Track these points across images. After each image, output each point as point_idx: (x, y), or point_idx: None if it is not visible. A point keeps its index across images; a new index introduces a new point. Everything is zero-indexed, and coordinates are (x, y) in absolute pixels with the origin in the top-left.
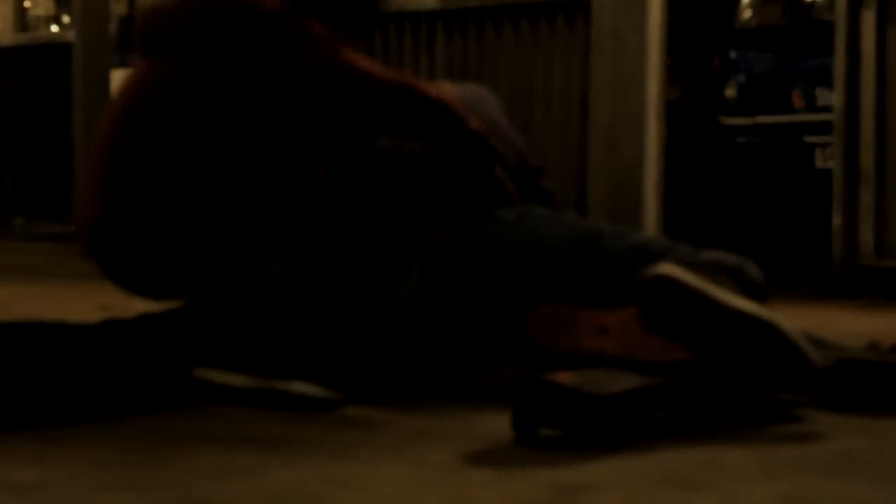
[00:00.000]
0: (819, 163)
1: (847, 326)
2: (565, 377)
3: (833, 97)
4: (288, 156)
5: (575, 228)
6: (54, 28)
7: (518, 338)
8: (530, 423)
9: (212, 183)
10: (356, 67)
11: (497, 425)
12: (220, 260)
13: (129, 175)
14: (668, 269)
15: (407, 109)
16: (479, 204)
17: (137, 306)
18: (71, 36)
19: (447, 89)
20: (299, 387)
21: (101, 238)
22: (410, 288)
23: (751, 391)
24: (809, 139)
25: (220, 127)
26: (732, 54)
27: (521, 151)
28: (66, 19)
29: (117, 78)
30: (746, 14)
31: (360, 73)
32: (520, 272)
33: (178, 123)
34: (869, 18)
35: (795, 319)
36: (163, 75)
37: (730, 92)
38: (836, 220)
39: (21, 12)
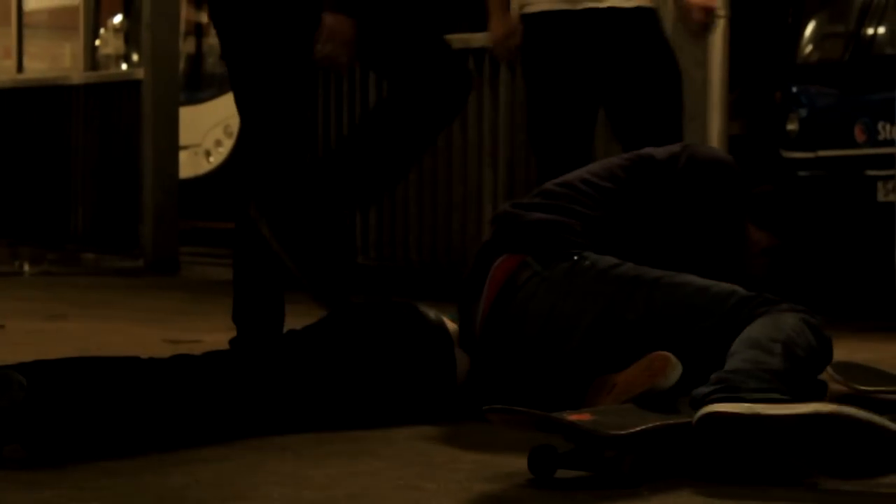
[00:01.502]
0: (881, 196)
1: None
2: (583, 416)
3: (895, 131)
4: None
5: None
6: (124, 66)
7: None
8: (547, 464)
9: None
10: None
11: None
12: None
13: None
14: (715, 408)
15: None
16: (539, 246)
17: (205, 340)
18: (140, 74)
19: None
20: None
21: None
22: (478, 322)
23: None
24: (871, 173)
25: None
26: (794, 89)
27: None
28: (135, 58)
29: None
30: (808, 49)
31: None
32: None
33: None
34: None
35: (857, 353)
36: None
37: (791, 126)
38: None
39: (91, 51)
